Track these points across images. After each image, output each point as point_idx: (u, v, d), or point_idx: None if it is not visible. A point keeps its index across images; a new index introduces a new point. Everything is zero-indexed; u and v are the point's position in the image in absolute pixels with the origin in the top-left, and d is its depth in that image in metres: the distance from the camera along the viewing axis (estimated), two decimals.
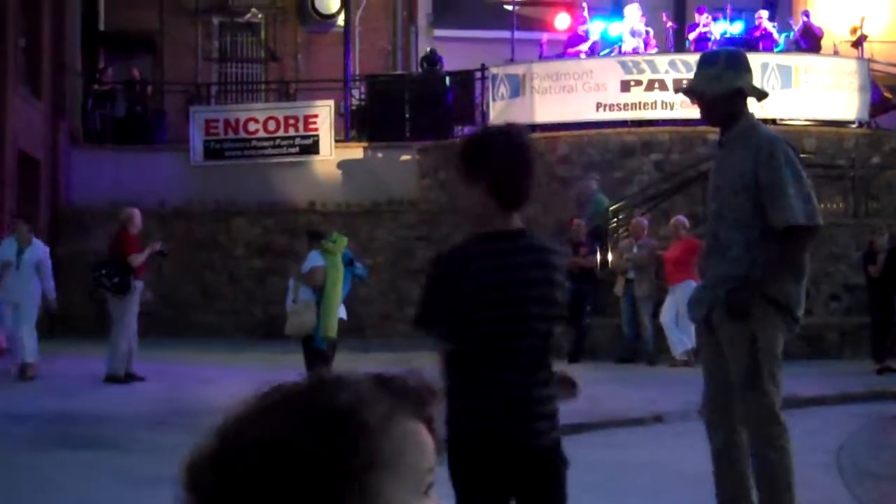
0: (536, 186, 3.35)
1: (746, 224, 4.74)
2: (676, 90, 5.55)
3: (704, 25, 18.60)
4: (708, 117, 5.00)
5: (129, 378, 11.50)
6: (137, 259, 11.54)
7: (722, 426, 4.82)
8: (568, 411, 10.19)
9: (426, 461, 1.05)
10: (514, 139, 3.38)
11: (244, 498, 0.98)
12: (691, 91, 4.99)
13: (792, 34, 19.22)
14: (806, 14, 19.55)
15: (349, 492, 0.98)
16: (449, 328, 3.31)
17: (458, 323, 3.27)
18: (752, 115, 4.97)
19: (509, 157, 3.30)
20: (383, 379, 1.07)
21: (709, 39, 18.47)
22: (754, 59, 17.01)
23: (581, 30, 18.99)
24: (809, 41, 19.03)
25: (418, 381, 1.09)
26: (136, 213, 12.00)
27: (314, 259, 9.24)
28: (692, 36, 18.70)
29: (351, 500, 0.98)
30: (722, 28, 18.87)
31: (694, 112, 5.35)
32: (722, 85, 4.79)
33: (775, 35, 18.89)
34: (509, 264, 3.29)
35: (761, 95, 5.17)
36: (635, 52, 18.01)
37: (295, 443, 0.98)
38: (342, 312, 9.31)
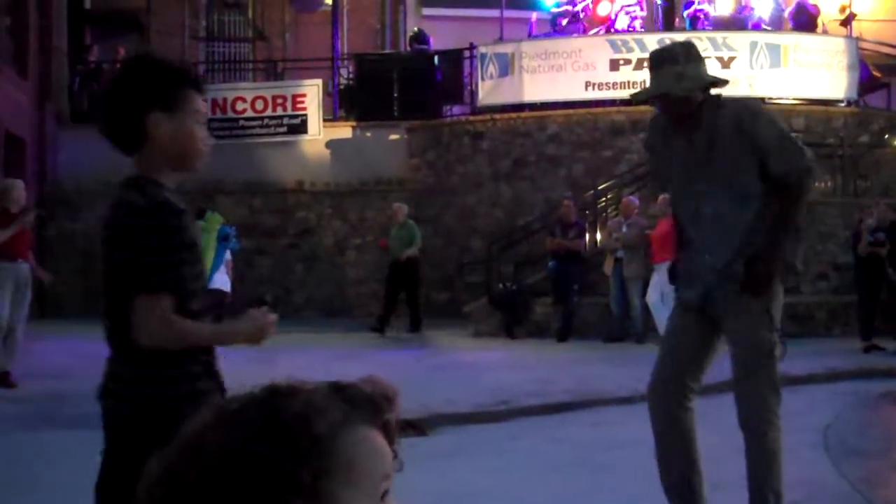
0: (124, 117, 2.91)
1: (754, 196, 4.64)
2: (637, 101, 5.38)
3: (699, 2, 18.52)
4: (676, 114, 4.74)
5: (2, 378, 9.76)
6: None
7: (669, 405, 4.72)
8: (557, 390, 10.09)
9: (381, 468, 1.05)
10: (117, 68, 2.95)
11: None
12: (659, 95, 4.73)
13: (775, 8, 19.15)
14: None
15: (301, 501, 0.97)
16: None
17: None
18: (711, 98, 4.78)
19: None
20: (338, 387, 1.07)
21: (701, 18, 18.41)
22: (743, 38, 17.32)
23: None
24: (804, 20, 18.97)
25: (374, 388, 1.09)
26: (17, 184, 10.26)
27: None
28: (687, 13, 18.61)
29: None
30: (713, 7, 18.78)
31: None
32: (692, 81, 4.65)
33: (759, 10, 18.77)
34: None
35: (723, 83, 4.97)
36: (630, 28, 17.93)
37: (243, 453, 0.97)
38: (220, 283, 9.62)
